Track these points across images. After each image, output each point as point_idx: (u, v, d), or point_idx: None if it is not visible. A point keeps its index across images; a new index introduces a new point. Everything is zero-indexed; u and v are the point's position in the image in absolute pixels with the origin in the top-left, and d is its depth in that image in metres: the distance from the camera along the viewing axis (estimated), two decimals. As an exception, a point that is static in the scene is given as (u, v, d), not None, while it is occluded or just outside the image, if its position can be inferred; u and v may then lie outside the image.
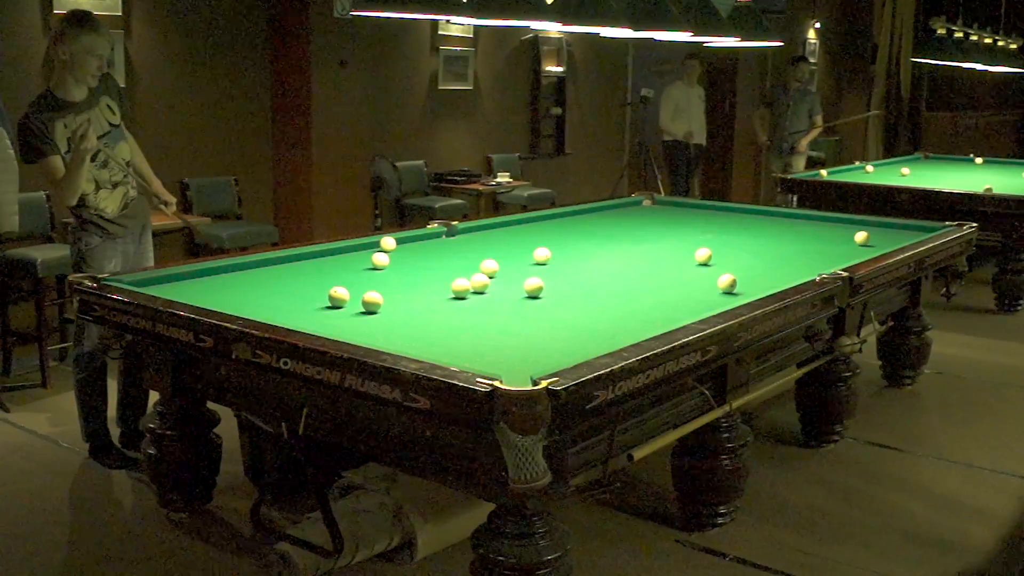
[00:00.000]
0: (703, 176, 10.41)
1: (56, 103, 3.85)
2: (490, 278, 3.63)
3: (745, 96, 11.43)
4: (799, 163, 9.05)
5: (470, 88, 8.42)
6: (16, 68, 5.45)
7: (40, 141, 3.79)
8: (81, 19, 3.83)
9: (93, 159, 3.87)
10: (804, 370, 4.05)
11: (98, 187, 3.94)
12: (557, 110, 9.24)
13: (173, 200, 4.25)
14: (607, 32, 5.16)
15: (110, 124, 3.99)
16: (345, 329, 2.86)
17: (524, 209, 6.94)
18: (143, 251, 4.17)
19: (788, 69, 9.24)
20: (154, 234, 4.33)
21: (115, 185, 4.00)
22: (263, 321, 2.86)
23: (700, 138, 9.35)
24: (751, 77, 11.63)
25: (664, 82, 9.64)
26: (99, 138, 3.88)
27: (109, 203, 3.98)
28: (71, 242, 4.06)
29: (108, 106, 3.99)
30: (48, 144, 3.80)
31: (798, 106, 9.00)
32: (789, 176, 7.74)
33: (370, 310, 3.15)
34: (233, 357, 2.83)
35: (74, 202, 3.90)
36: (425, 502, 3.18)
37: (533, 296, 3.45)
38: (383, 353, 2.53)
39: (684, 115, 9.22)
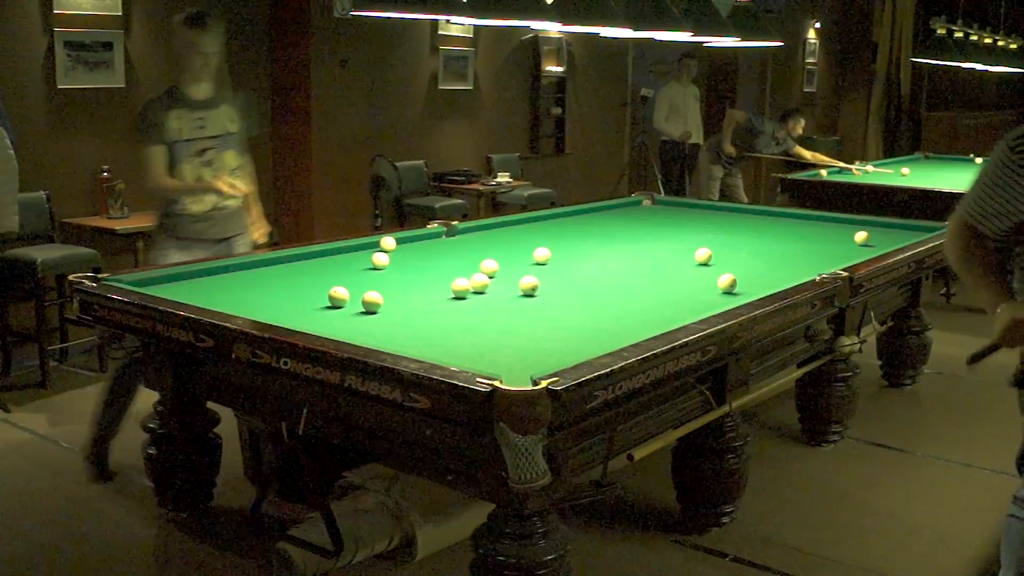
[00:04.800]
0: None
1: (176, 97, 3.99)
2: (490, 278, 3.63)
3: (745, 96, 11.43)
4: (715, 181, 8.89)
5: (470, 88, 8.41)
6: (16, 68, 5.45)
7: (148, 127, 3.91)
8: (186, 17, 3.96)
9: (199, 155, 3.98)
10: (804, 370, 4.05)
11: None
12: (557, 110, 9.24)
13: (266, 229, 4.24)
14: (607, 32, 5.16)
15: (226, 130, 4.08)
16: (345, 329, 2.86)
17: (524, 209, 6.94)
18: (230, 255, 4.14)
19: (780, 125, 8.68)
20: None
21: None
22: (263, 321, 2.87)
23: (696, 137, 9.34)
24: (751, 77, 11.63)
25: (664, 82, 9.64)
26: (208, 138, 4.00)
27: (202, 201, 4.02)
28: (152, 246, 4.14)
29: (228, 115, 4.11)
30: (153, 133, 3.91)
31: (772, 147, 8.78)
32: (789, 177, 7.73)
33: (370, 310, 3.15)
34: (233, 357, 2.83)
35: (168, 193, 3.98)
36: (425, 502, 3.18)
37: (528, 294, 3.45)
38: (383, 353, 2.53)
39: (680, 115, 9.20)
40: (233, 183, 3.98)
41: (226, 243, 4.15)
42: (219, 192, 3.97)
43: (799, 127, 8.61)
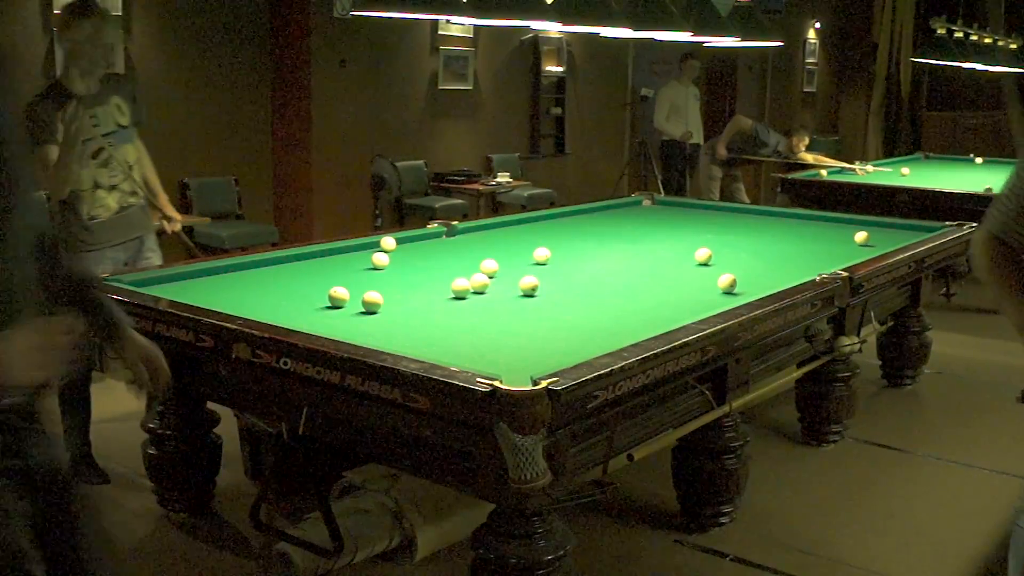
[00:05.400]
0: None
1: (62, 93, 3.77)
2: (490, 278, 3.63)
3: (745, 96, 11.44)
4: (715, 181, 8.90)
5: (470, 88, 8.42)
6: (16, 68, 5.45)
7: (39, 129, 3.68)
8: (82, 8, 3.76)
9: (95, 156, 3.79)
10: (804, 370, 4.05)
11: (96, 186, 3.84)
12: (557, 110, 9.24)
13: (179, 219, 4.15)
14: (607, 32, 5.16)
15: (117, 124, 3.88)
16: (345, 329, 2.86)
17: (524, 209, 6.94)
18: (143, 258, 4.02)
19: (784, 139, 8.68)
20: (157, 234, 4.20)
21: (113, 187, 3.90)
22: (263, 321, 2.86)
23: (696, 138, 9.35)
24: (751, 77, 11.63)
25: (664, 82, 9.64)
26: (103, 136, 3.80)
27: (104, 205, 3.87)
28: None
29: (118, 106, 3.90)
30: (47, 132, 3.69)
31: (773, 157, 8.80)
32: (789, 177, 7.73)
33: (370, 310, 3.15)
34: (233, 357, 2.83)
35: (65, 194, 3.78)
36: (425, 502, 3.17)
37: (528, 294, 3.45)
38: (383, 353, 2.53)
39: (681, 115, 9.20)
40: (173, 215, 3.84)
41: (136, 242, 4.01)
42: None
43: (803, 144, 8.59)
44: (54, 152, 3.71)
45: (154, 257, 4.06)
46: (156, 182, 4.13)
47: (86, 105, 3.76)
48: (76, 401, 3.85)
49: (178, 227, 4.15)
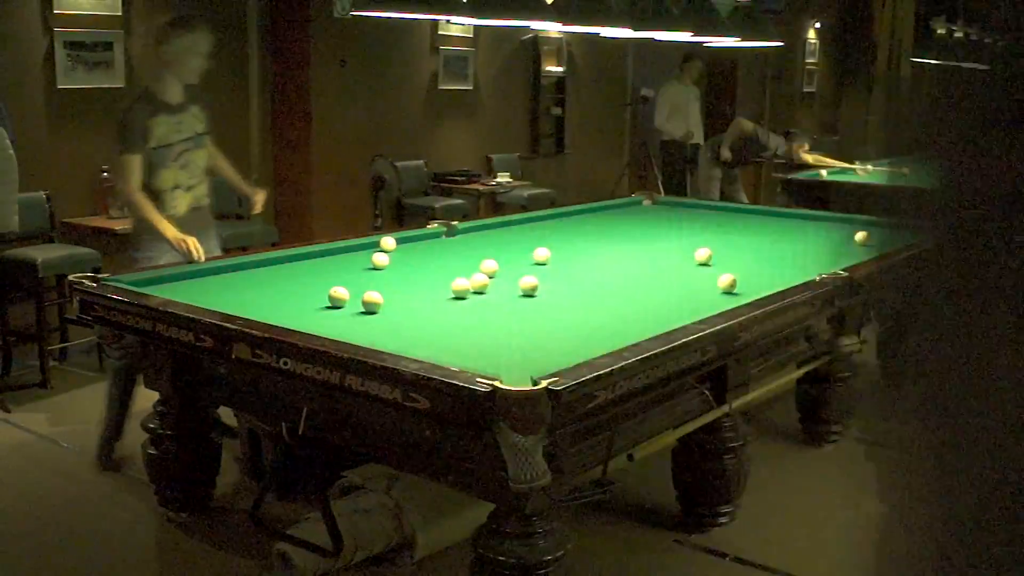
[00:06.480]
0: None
1: (154, 102, 4.05)
2: (490, 278, 3.63)
3: (745, 96, 11.43)
4: (715, 181, 8.92)
5: (470, 88, 8.41)
6: (16, 68, 5.45)
7: (128, 136, 3.98)
8: (184, 21, 4.12)
9: (176, 160, 4.08)
10: (804, 370, 4.05)
11: (175, 187, 4.11)
12: (557, 110, 9.24)
13: (260, 197, 4.36)
14: (607, 32, 5.16)
15: (195, 131, 4.17)
16: (345, 329, 2.86)
17: (524, 209, 6.94)
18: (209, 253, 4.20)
19: (784, 143, 8.67)
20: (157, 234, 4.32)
21: (189, 188, 4.17)
22: (263, 321, 2.86)
23: (697, 138, 9.35)
24: (751, 77, 11.63)
25: (664, 82, 9.64)
26: (183, 141, 4.10)
27: (181, 204, 4.14)
28: (131, 247, 4.19)
29: (196, 114, 4.18)
30: (133, 141, 3.97)
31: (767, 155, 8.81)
32: (789, 176, 7.73)
33: (370, 310, 3.15)
34: (233, 357, 2.83)
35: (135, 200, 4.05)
36: (425, 502, 3.18)
37: (528, 295, 3.45)
38: (383, 353, 2.53)
39: (681, 115, 9.21)
40: (192, 248, 3.95)
41: (203, 239, 4.11)
42: (176, 248, 3.95)
43: (803, 149, 8.60)
44: (136, 163, 3.99)
45: (212, 248, 4.26)
46: (234, 173, 4.45)
47: (172, 112, 4.07)
48: (124, 389, 4.01)
49: (261, 202, 4.37)
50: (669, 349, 2.70)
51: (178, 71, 4.06)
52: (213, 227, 4.38)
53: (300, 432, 2.90)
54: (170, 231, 3.95)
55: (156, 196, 4.06)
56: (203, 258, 3.89)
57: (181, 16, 4.14)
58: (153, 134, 4.00)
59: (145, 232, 4.06)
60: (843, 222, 5.18)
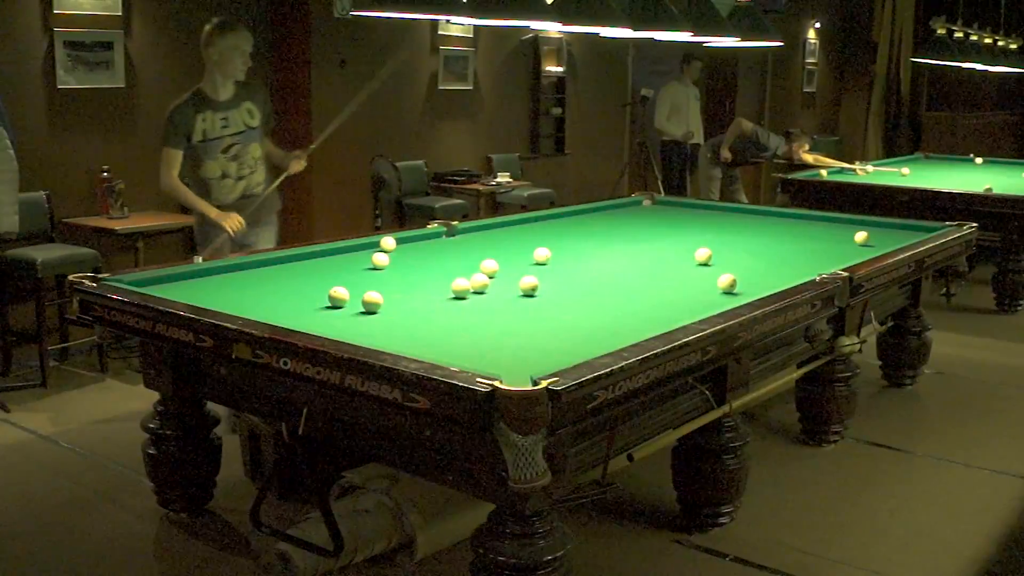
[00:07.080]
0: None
1: (202, 100, 4.39)
2: (490, 278, 3.63)
3: (745, 96, 11.43)
4: (715, 181, 8.94)
5: (470, 88, 8.41)
6: (16, 68, 5.45)
7: (174, 131, 4.34)
8: (225, 24, 4.45)
9: (224, 152, 4.41)
10: (804, 370, 4.05)
11: (224, 176, 4.44)
12: (557, 110, 9.24)
13: (302, 157, 4.68)
14: (607, 32, 5.15)
15: (247, 125, 4.49)
16: (345, 329, 2.86)
17: (524, 209, 6.94)
18: (257, 241, 4.55)
19: (784, 144, 8.70)
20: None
21: (241, 178, 4.49)
22: (263, 321, 2.87)
23: (697, 138, 9.36)
24: (751, 77, 11.63)
25: (663, 82, 9.65)
26: (233, 135, 4.44)
27: (230, 192, 4.47)
28: (198, 246, 4.51)
29: (248, 110, 4.50)
30: (175, 136, 4.33)
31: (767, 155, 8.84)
32: (789, 176, 7.73)
33: (370, 310, 3.15)
34: (233, 357, 2.83)
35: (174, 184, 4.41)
36: (425, 502, 3.18)
37: (528, 295, 3.45)
38: (383, 353, 2.53)
39: (682, 115, 9.21)
40: (234, 222, 4.36)
41: (253, 230, 4.51)
42: (220, 226, 4.34)
43: (803, 150, 8.59)
44: (175, 156, 4.35)
45: (266, 239, 4.64)
46: (280, 151, 4.75)
47: (219, 109, 4.40)
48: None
49: (303, 162, 4.68)
50: (669, 349, 2.70)
51: (224, 70, 4.38)
52: (271, 219, 4.68)
53: (300, 432, 2.90)
54: (212, 211, 4.34)
55: (204, 184, 4.42)
56: (242, 228, 4.33)
57: (223, 20, 4.47)
58: (197, 129, 4.34)
59: (198, 226, 4.48)
60: (843, 222, 5.19)
